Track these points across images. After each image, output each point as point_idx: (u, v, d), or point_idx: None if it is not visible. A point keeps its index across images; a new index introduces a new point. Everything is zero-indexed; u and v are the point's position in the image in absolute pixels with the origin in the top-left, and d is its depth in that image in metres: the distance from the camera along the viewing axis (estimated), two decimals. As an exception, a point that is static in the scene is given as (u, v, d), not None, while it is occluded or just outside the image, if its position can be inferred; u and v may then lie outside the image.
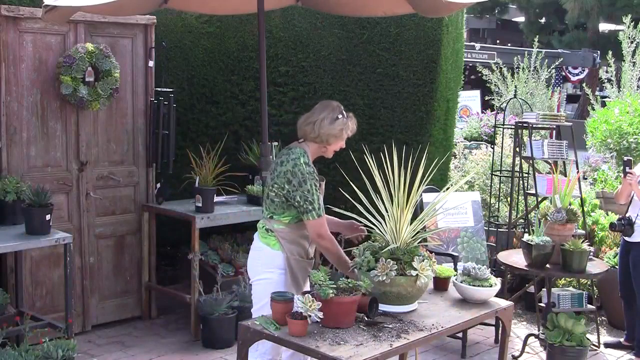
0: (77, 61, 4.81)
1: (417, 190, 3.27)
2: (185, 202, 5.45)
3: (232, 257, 5.73)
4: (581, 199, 5.95)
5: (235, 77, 6.10)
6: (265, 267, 3.55)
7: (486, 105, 11.80)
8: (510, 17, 26.92)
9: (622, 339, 5.42)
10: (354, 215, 3.46)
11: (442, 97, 6.24)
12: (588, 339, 4.89)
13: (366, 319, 3.06)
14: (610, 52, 8.90)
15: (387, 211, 3.26)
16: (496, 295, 3.53)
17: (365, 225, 3.36)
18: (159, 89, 5.39)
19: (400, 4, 4.68)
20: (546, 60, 10.19)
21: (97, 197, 5.20)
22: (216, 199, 5.29)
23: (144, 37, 5.34)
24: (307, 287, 3.50)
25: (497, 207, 6.66)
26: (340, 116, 3.55)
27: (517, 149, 6.06)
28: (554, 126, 6.23)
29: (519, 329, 5.72)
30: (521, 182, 6.17)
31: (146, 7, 4.90)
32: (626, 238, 5.15)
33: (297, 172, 3.43)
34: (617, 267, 5.44)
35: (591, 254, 4.90)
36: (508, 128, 6.78)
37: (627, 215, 5.12)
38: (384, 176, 3.29)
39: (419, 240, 3.32)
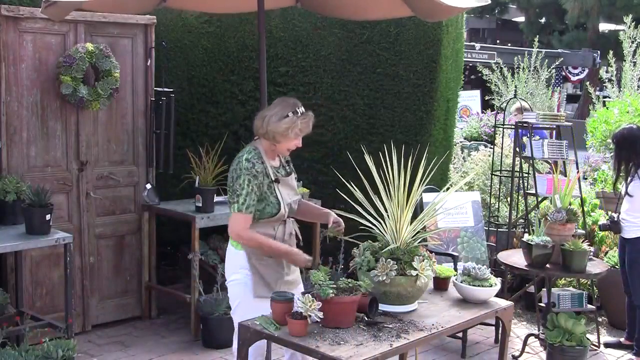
0: (77, 61, 4.81)
1: (417, 190, 3.26)
2: (185, 202, 5.45)
3: (232, 257, 5.73)
4: (581, 199, 5.95)
5: (235, 77, 6.10)
6: (233, 268, 3.51)
7: (486, 105, 11.80)
8: (510, 17, 26.95)
9: (622, 339, 5.42)
10: (354, 216, 3.45)
11: (442, 97, 6.24)
12: (588, 339, 4.89)
13: (366, 319, 3.06)
14: (610, 52, 8.91)
15: (387, 211, 3.25)
16: (496, 295, 3.53)
17: (366, 225, 3.34)
18: (159, 89, 5.38)
19: (399, 8, 4.68)
20: (546, 60, 10.19)
21: (97, 197, 5.20)
22: (216, 199, 5.29)
23: (143, 37, 5.33)
24: (278, 288, 3.39)
25: (497, 207, 6.66)
26: (290, 114, 3.39)
27: (517, 149, 6.06)
28: (554, 126, 6.24)
29: (519, 329, 5.72)
30: (521, 182, 6.16)
31: (145, 5, 4.89)
32: (623, 235, 5.18)
33: (236, 167, 3.41)
34: (617, 267, 5.44)
35: (591, 254, 4.90)
36: (508, 128, 6.78)
37: (615, 213, 5.22)
38: (384, 176, 3.28)
39: (419, 240, 3.31)
